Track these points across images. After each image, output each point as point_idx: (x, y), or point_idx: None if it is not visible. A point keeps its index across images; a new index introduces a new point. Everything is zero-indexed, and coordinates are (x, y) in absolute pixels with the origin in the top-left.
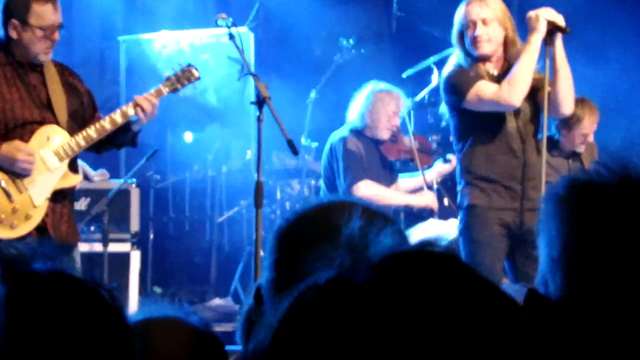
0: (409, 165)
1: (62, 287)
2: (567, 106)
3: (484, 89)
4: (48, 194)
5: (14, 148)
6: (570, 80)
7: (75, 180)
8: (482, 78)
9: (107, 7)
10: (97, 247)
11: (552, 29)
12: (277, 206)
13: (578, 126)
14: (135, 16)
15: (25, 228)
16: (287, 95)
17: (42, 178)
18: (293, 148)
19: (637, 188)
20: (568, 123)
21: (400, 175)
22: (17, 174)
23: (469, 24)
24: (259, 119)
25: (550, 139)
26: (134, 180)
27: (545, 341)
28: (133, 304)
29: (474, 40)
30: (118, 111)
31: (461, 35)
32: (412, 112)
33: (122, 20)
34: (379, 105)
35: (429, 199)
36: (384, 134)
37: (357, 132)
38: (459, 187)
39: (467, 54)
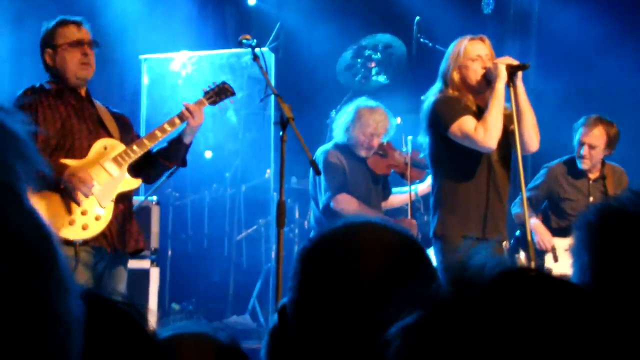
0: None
1: (94, 309)
2: (533, 143)
3: (467, 125)
4: (113, 197)
5: (76, 167)
6: (532, 118)
7: (135, 184)
8: (469, 111)
9: (128, 26)
10: None
11: (512, 70)
12: (296, 225)
13: (578, 132)
14: (156, 36)
15: (96, 228)
16: (308, 115)
17: (105, 184)
18: (316, 168)
19: None
20: (576, 129)
21: (393, 189)
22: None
23: (473, 58)
24: (282, 139)
25: (572, 160)
26: (155, 197)
27: None
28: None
29: (475, 74)
30: (167, 121)
31: (459, 67)
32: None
33: (143, 39)
34: (358, 123)
35: (408, 226)
36: (362, 153)
37: (341, 147)
38: (432, 217)
39: (460, 86)
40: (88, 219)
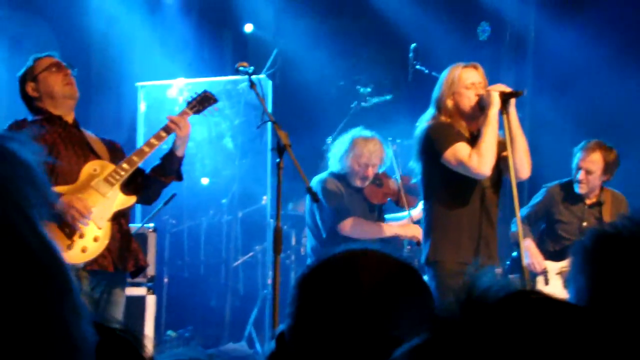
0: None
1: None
2: (524, 170)
3: (461, 152)
4: (109, 216)
5: (75, 197)
6: (525, 146)
7: (131, 201)
8: (462, 138)
9: (125, 53)
10: None
11: (505, 97)
12: (292, 252)
13: (576, 156)
14: (153, 63)
15: (96, 250)
16: (305, 141)
17: (100, 205)
18: (313, 195)
19: None
20: (575, 153)
21: (386, 216)
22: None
23: (467, 85)
24: (278, 166)
25: (570, 183)
26: (152, 224)
27: None
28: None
29: (469, 101)
30: (153, 136)
31: (453, 95)
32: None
33: (139, 66)
34: (352, 153)
35: (414, 230)
36: (358, 182)
37: (338, 176)
38: (424, 243)
39: (453, 112)
40: (86, 241)
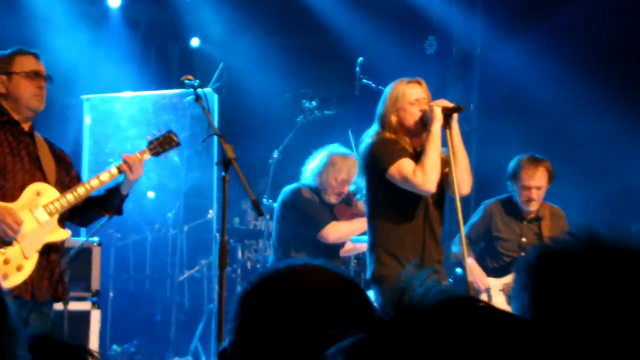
0: None
1: (51, 351)
2: (464, 186)
3: (405, 168)
4: (39, 247)
5: (5, 210)
6: (466, 161)
7: (64, 235)
8: (406, 154)
9: (71, 65)
10: (58, 305)
11: (448, 113)
12: (238, 265)
13: (519, 179)
14: (98, 75)
15: (17, 279)
16: (251, 154)
17: (32, 232)
18: (258, 209)
19: (605, 256)
20: (513, 178)
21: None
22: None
23: (411, 101)
24: (224, 180)
25: (509, 199)
26: (97, 238)
27: None
28: None
29: (413, 117)
30: (104, 171)
31: (397, 111)
32: None
33: (85, 80)
34: (330, 169)
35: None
36: (332, 198)
37: (310, 188)
38: (368, 256)
39: (397, 128)
40: (9, 268)
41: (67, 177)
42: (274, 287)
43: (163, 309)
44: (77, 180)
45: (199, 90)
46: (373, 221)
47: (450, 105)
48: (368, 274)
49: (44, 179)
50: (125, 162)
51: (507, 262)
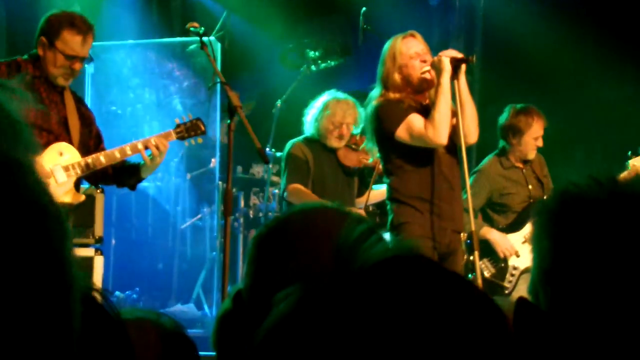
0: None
1: None
2: (472, 136)
3: (414, 124)
4: None
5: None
6: (473, 112)
7: (78, 199)
8: (413, 110)
9: None
10: None
11: (457, 64)
12: (241, 214)
13: (529, 131)
14: (101, 24)
15: None
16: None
17: None
18: (263, 157)
19: (625, 201)
20: (519, 130)
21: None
22: None
23: (411, 55)
24: (229, 127)
25: (500, 155)
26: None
27: (533, 349)
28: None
29: (416, 71)
30: (128, 145)
31: (399, 68)
32: None
33: None
34: (325, 113)
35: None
36: (334, 142)
37: (310, 140)
38: (389, 207)
39: (402, 87)
40: None
41: (89, 137)
42: (290, 229)
43: (165, 257)
44: (97, 139)
45: (204, 38)
46: (389, 176)
47: (458, 55)
48: (388, 226)
49: (69, 141)
50: (155, 143)
51: (520, 213)
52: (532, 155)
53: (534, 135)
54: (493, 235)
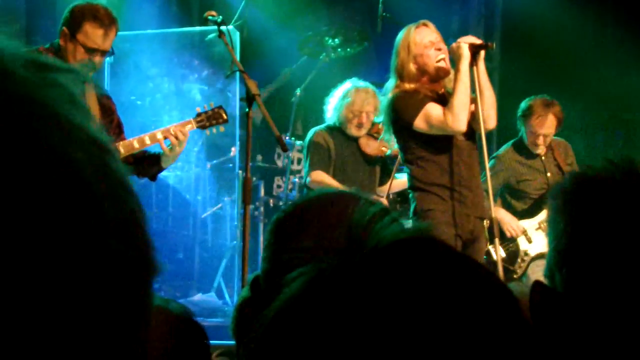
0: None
1: None
2: (491, 121)
3: (433, 113)
4: None
5: None
6: (492, 98)
7: None
8: (429, 100)
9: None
10: None
11: (475, 50)
12: (261, 203)
13: (528, 127)
14: (119, 14)
15: None
16: (273, 94)
17: None
18: (283, 145)
19: None
20: (522, 124)
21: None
22: None
23: (425, 44)
24: (247, 115)
25: (519, 142)
26: None
27: (549, 331)
28: None
29: (431, 60)
30: (147, 134)
31: (414, 58)
32: None
33: None
34: (345, 101)
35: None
36: (354, 131)
37: (332, 128)
38: (411, 195)
39: (418, 76)
40: None
41: (109, 128)
42: (306, 213)
43: (186, 247)
44: (118, 129)
45: (222, 27)
46: (409, 165)
47: (477, 42)
48: (411, 214)
49: None
50: (174, 132)
51: (537, 199)
52: (537, 149)
53: (532, 129)
54: (499, 213)
